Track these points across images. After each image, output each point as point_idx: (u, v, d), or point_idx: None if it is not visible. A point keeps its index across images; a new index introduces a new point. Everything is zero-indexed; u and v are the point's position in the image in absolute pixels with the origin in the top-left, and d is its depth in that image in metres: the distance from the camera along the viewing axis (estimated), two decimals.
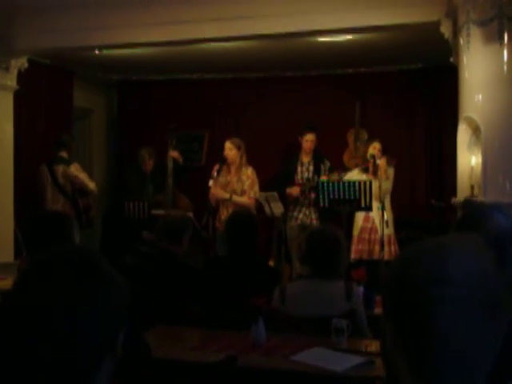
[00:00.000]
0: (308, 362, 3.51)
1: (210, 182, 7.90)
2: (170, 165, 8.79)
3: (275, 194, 7.76)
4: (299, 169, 8.60)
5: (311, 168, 8.54)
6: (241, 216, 5.14)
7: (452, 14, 6.38)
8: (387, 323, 1.30)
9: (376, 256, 7.82)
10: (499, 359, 1.25)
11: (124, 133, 11.05)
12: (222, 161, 8.01)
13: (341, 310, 4.04)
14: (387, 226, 7.40)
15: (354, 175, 8.05)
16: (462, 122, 6.19)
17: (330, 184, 7.11)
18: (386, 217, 7.21)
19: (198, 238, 7.41)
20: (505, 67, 5.76)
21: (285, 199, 8.17)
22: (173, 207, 8.50)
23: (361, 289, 4.75)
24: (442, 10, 6.50)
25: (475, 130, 6.11)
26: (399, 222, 8.30)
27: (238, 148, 8.05)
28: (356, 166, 8.66)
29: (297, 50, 8.70)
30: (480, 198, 5.79)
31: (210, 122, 10.55)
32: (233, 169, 8.08)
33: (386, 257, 7.46)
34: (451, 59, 6.64)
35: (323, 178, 7.95)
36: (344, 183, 7.11)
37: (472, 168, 6.16)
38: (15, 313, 1.41)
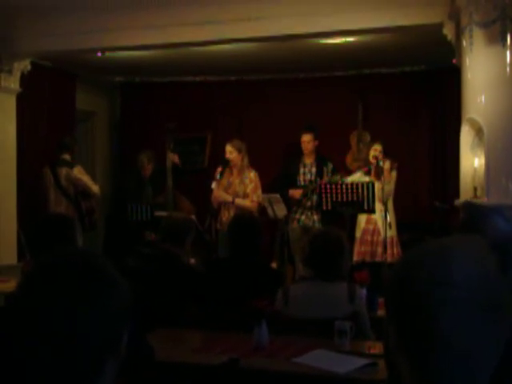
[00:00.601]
0: (311, 364, 3.51)
1: (213, 185, 7.90)
2: (170, 166, 8.77)
3: (278, 196, 7.75)
4: (301, 170, 8.59)
5: (314, 170, 8.53)
6: (244, 218, 5.14)
7: (455, 16, 6.37)
8: (390, 325, 1.29)
9: (378, 258, 7.82)
10: (501, 362, 1.25)
11: (127, 135, 11.06)
12: (225, 163, 8.01)
13: (344, 312, 4.03)
14: (390, 228, 7.40)
15: (357, 177, 8.04)
16: (465, 123, 6.19)
17: (333, 186, 7.10)
18: (388, 219, 7.21)
19: (201, 241, 7.41)
20: (507, 68, 5.77)
21: (287, 201, 8.16)
22: (174, 209, 8.49)
23: (364, 291, 4.75)
24: (444, 11, 6.50)
25: (478, 132, 6.10)
26: (402, 224, 8.29)
27: (239, 150, 8.05)
28: (358, 168, 8.66)
29: (299, 51, 8.70)
30: (483, 200, 5.79)
31: (212, 124, 10.55)
32: (235, 171, 8.08)
33: (389, 259, 7.45)
34: (454, 61, 6.64)
35: (324, 179, 7.95)
36: (347, 185, 7.10)
37: (475, 170, 6.15)
38: (19, 315, 1.41)
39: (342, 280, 4.28)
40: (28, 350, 1.38)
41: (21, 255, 7.98)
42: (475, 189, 6.07)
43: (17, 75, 8.25)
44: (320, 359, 3.59)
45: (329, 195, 7.09)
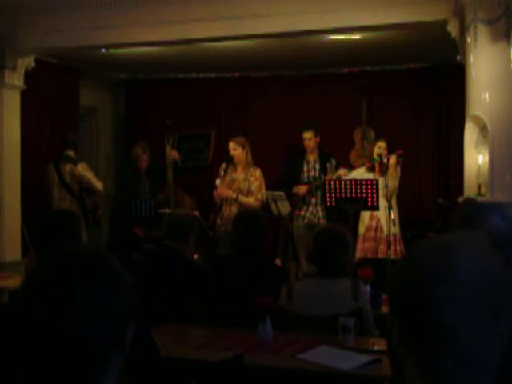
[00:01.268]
0: (315, 361, 3.52)
1: (217, 181, 7.90)
2: (170, 164, 8.75)
3: (282, 193, 7.75)
4: (305, 167, 8.60)
5: (317, 167, 8.54)
6: (249, 215, 5.13)
7: (459, 13, 6.36)
8: (394, 321, 1.30)
9: (382, 255, 7.81)
10: (505, 358, 1.25)
11: (130, 132, 11.06)
12: (229, 160, 8.01)
13: (348, 308, 4.04)
14: (394, 225, 7.40)
15: (360, 174, 8.04)
16: (469, 120, 6.18)
17: (337, 183, 7.10)
18: (392, 215, 7.21)
19: (205, 237, 7.41)
20: None
21: (291, 198, 8.16)
22: (176, 206, 8.49)
23: (367, 287, 4.75)
24: (449, 8, 6.49)
25: (482, 129, 6.10)
26: (405, 221, 8.29)
27: (243, 146, 8.05)
28: (362, 164, 8.65)
29: (304, 48, 8.69)
30: (487, 197, 5.78)
31: (216, 120, 10.54)
32: (239, 167, 8.07)
33: (392, 256, 7.44)
34: (458, 58, 6.64)
35: (328, 175, 7.95)
36: (351, 182, 7.09)
37: (479, 167, 6.15)
38: (24, 312, 1.41)
39: (345, 277, 4.28)
40: (33, 346, 1.38)
41: (25, 251, 7.99)
42: (479, 186, 6.07)
43: (21, 72, 8.26)
44: (324, 355, 3.59)
45: (333, 192, 7.09)
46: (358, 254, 7.87)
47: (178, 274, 4.85)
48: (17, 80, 8.22)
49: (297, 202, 8.37)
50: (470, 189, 6.21)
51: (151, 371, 2.81)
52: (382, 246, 7.85)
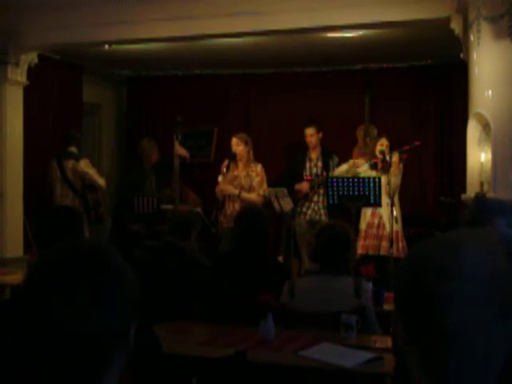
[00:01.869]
0: (317, 358, 3.51)
1: (220, 178, 7.91)
2: (177, 161, 8.75)
3: (284, 189, 7.75)
4: (308, 165, 8.60)
5: (320, 164, 8.54)
6: (251, 211, 5.13)
7: (462, 10, 6.36)
8: (399, 319, 1.30)
9: (383, 252, 7.81)
10: (510, 361, 1.25)
11: (133, 128, 11.06)
12: (231, 156, 8.01)
13: (350, 305, 4.04)
14: (396, 222, 7.40)
15: (364, 171, 8.04)
16: (472, 118, 6.18)
17: (340, 180, 7.11)
18: (395, 213, 7.21)
19: (207, 234, 7.41)
20: None
21: (294, 195, 8.16)
22: (180, 202, 8.49)
23: (370, 285, 4.75)
24: (452, 6, 6.49)
25: (485, 127, 6.09)
26: (408, 219, 8.29)
27: (246, 143, 8.06)
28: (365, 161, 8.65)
29: (307, 45, 8.69)
30: (490, 195, 5.77)
31: (219, 117, 10.54)
32: (241, 164, 8.08)
33: (395, 253, 7.44)
34: (461, 55, 6.63)
35: (331, 173, 7.96)
36: (353, 179, 7.10)
37: (482, 164, 6.14)
38: (26, 308, 1.41)
39: (348, 274, 4.28)
40: (34, 342, 1.38)
41: (27, 248, 8.00)
42: (482, 184, 6.06)
43: (24, 68, 8.26)
44: (326, 353, 3.59)
45: (335, 189, 7.10)
46: (360, 251, 7.87)
47: (179, 270, 4.85)
48: (20, 76, 8.23)
49: (299, 199, 8.37)
50: (472, 186, 6.21)
51: (154, 367, 2.81)
52: (385, 244, 7.85)
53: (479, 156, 6.18)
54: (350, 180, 7.09)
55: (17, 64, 8.10)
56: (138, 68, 10.84)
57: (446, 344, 1.20)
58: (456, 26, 6.53)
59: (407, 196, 8.60)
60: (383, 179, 7.26)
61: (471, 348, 1.20)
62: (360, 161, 8.32)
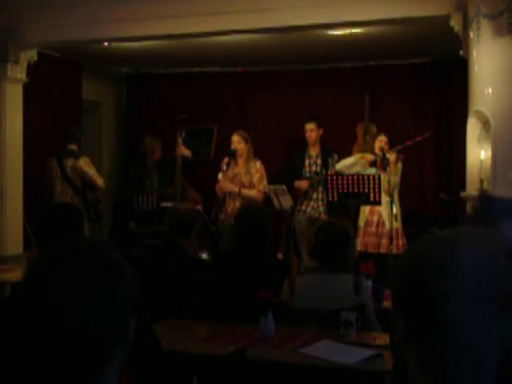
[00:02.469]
0: (317, 355, 3.52)
1: (220, 175, 7.91)
2: (180, 160, 8.75)
3: (284, 187, 7.75)
4: (307, 162, 8.59)
5: (319, 161, 8.53)
6: (251, 209, 5.13)
7: (462, 8, 6.35)
8: (397, 316, 1.30)
9: (383, 250, 7.82)
10: (508, 355, 1.25)
11: (133, 126, 11.06)
12: (231, 154, 8.00)
13: (350, 303, 4.04)
14: (396, 220, 7.40)
15: (362, 165, 8.05)
16: (472, 115, 6.17)
17: (339, 178, 7.11)
18: (394, 210, 7.21)
19: (207, 232, 7.41)
20: None
21: (293, 192, 8.16)
22: (182, 200, 8.49)
23: (369, 282, 4.75)
24: (451, 3, 6.48)
25: (485, 124, 6.09)
26: (408, 216, 8.29)
27: (246, 140, 8.06)
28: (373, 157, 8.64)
29: (306, 43, 8.68)
30: (490, 193, 5.77)
31: (219, 115, 10.53)
32: (241, 161, 8.08)
33: (394, 250, 7.45)
34: (461, 53, 6.63)
35: (331, 170, 7.95)
36: (353, 177, 7.10)
37: (481, 162, 6.14)
38: (25, 305, 1.41)
39: (347, 271, 4.29)
40: (33, 340, 1.38)
41: (27, 245, 7.99)
42: (481, 181, 6.06)
43: (23, 65, 8.25)
44: (326, 350, 3.60)
45: (335, 186, 7.10)
46: (359, 248, 7.87)
47: (179, 269, 4.85)
48: (19, 73, 8.21)
49: (298, 197, 8.37)
50: (472, 184, 6.21)
51: (153, 365, 2.81)
52: (384, 241, 7.85)
53: (479, 153, 6.18)
54: (350, 177, 7.09)
55: (16, 61, 8.09)
56: (137, 65, 10.84)
57: (443, 340, 1.21)
58: (456, 24, 6.52)
59: (407, 193, 8.59)
60: (383, 177, 7.26)
61: (469, 347, 1.20)
62: (368, 156, 8.30)
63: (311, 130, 8.54)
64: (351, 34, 8.17)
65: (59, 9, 7.59)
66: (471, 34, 6.08)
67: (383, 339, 3.75)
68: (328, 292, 4.14)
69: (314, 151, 8.60)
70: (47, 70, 9.20)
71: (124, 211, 8.70)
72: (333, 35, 8.21)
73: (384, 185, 7.29)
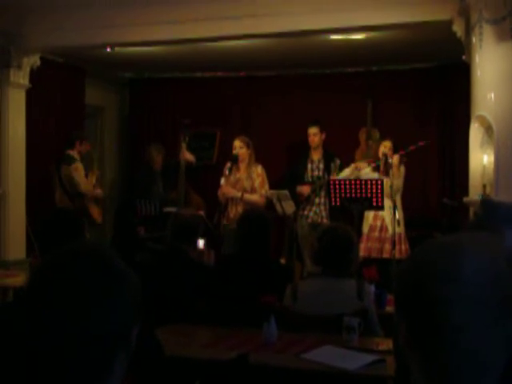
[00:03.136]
0: (319, 360, 3.51)
1: (222, 180, 7.92)
2: (183, 165, 8.76)
3: (287, 192, 7.75)
4: (309, 167, 8.58)
5: (321, 166, 8.53)
6: (254, 214, 5.13)
7: (464, 13, 6.36)
8: (400, 322, 1.30)
9: (386, 255, 7.81)
10: (510, 363, 1.25)
11: (136, 130, 11.07)
12: (234, 159, 8.00)
13: (352, 308, 4.04)
14: (398, 225, 7.39)
15: (366, 174, 8.03)
16: (475, 120, 6.17)
17: (342, 182, 7.10)
18: (397, 215, 7.20)
19: (210, 237, 7.41)
20: None
21: (295, 198, 8.16)
22: (185, 205, 8.50)
23: (372, 287, 4.74)
24: (454, 8, 6.49)
25: (488, 129, 6.09)
26: (410, 221, 8.28)
27: (248, 145, 8.06)
28: (368, 165, 8.64)
29: (309, 48, 8.69)
30: (493, 198, 5.76)
31: (222, 120, 10.54)
32: (242, 166, 8.07)
33: (397, 255, 7.44)
34: (463, 58, 6.63)
35: (333, 175, 7.95)
36: (356, 182, 7.09)
37: (484, 167, 6.14)
38: (29, 310, 1.41)
39: (350, 276, 4.28)
40: (37, 345, 1.38)
41: (29, 250, 7.99)
42: (484, 186, 6.05)
43: (26, 70, 8.27)
44: (328, 355, 3.59)
45: (337, 191, 7.09)
46: (362, 253, 7.86)
47: (183, 273, 4.86)
48: (22, 79, 8.23)
49: (301, 202, 8.37)
50: (474, 189, 6.20)
51: (155, 370, 2.81)
52: (387, 246, 7.83)
53: (482, 158, 6.18)
54: (352, 182, 7.08)
55: (19, 67, 8.11)
56: (140, 70, 10.85)
57: (446, 345, 1.20)
58: (458, 29, 6.53)
59: (410, 198, 8.59)
60: (385, 182, 7.26)
61: (472, 352, 1.20)
62: (362, 164, 8.31)
63: (314, 134, 8.54)
64: (354, 40, 8.18)
65: (62, 14, 7.61)
66: (474, 39, 6.08)
67: (386, 344, 3.74)
68: (331, 297, 4.14)
69: (316, 156, 8.59)
70: (50, 76, 9.21)
71: (127, 216, 8.70)
72: (335, 40, 8.21)
73: (386, 189, 7.29)
